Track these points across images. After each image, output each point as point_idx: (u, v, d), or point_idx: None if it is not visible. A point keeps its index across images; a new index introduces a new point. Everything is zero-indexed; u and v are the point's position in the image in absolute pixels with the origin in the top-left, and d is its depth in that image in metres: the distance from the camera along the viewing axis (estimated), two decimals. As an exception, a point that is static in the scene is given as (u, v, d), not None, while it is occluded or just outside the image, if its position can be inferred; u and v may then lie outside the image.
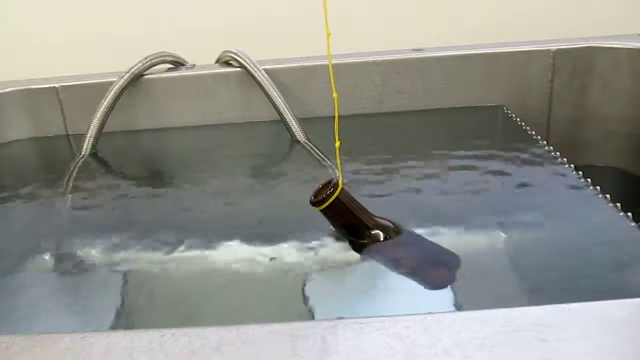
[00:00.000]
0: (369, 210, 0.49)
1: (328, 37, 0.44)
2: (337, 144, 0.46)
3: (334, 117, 0.45)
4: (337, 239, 0.49)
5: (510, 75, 0.80)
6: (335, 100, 0.45)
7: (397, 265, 0.45)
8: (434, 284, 0.43)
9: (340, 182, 0.47)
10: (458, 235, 0.49)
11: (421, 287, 0.43)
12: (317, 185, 0.49)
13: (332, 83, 0.45)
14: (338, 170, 0.47)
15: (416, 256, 0.47)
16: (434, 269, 0.46)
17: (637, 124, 0.77)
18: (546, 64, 0.79)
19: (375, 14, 1.01)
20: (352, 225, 0.49)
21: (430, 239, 0.48)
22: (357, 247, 0.48)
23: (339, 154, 0.47)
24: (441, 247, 0.47)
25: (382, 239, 0.48)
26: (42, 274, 0.50)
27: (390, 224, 0.50)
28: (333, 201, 0.47)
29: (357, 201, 0.49)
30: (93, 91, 0.81)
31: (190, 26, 1.01)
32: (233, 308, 0.44)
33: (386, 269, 0.45)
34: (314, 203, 0.47)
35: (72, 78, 0.84)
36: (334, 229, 0.50)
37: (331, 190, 0.47)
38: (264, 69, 0.78)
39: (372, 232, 0.48)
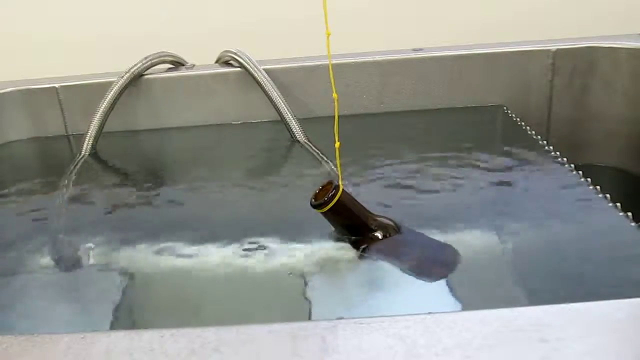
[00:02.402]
0: (368, 209, 0.49)
1: (328, 37, 0.44)
2: (337, 144, 0.46)
3: (334, 117, 0.45)
4: (338, 238, 0.49)
5: (510, 75, 0.80)
6: (336, 101, 0.45)
7: (398, 261, 0.46)
8: (434, 277, 0.44)
9: (340, 183, 0.47)
10: (457, 235, 0.49)
11: (422, 286, 0.43)
12: (316, 187, 0.49)
13: (332, 84, 0.45)
14: (338, 171, 0.47)
15: (416, 252, 0.48)
16: (433, 262, 0.46)
17: (637, 124, 0.77)
18: (546, 64, 0.79)
19: (375, 14, 1.01)
20: (353, 225, 0.49)
21: (428, 235, 0.49)
22: (359, 246, 0.48)
23: (339, 155, 0.47)
24: (438, 242, 0.48)
25: (382, 237, 0.48)
26: (42, 273, 0.50)
27: (390, 222, 0.50)
28: (335, 203, 0.47)
29: (358, 202, 0.49)
30: (93, 91, 0.81)
31: (190, 26, 1.01)
32: (233, 308, 0.44)
33: (387, 267, 0.45)
34: (316, 206, 0.47)
35: (72, 78, 0.84)
36: (334, 229, 0.50)
37: (333, 192, 0.47)
38: (264, 69, 0.78)
39: (373, 231, 0.49)
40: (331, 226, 0.50)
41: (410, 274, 0.44)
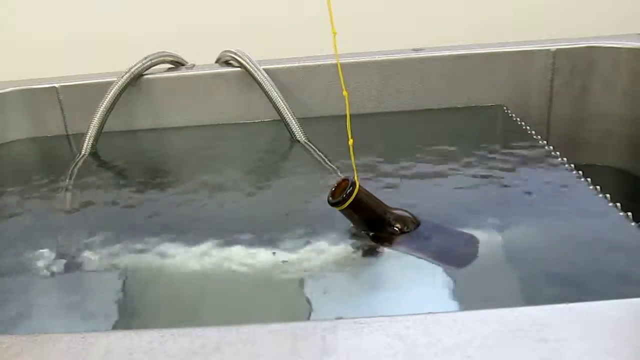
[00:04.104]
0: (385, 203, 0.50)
1: (334, 36, 0.44)
2: (350, 141, 0.47)
3: (346, 115, 0.46)
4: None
5: (510, 75, 0.80)
6: (346, 99, 0.45)
7: (422, 253, 0.46)
8: (459, 264, 0.45)
9: (356, 179, 0.47)
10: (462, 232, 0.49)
11: (450, 277, 0.43)
12: (332, 185, 0.49)
13: (342, 82, 0.45)
14: (353, 167, 0.47)
15: (438, 242, 0.48)
16: (457, 250, 0.47)
17: (637, 124, 0.77)
18: (546, 64, 0.79)
19: (375, 14, 1.01)
20: (372, 220, 0.49)
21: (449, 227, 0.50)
22: (380, 240, 0.48)
23: (353, 151, 0.47)
24: (458, 230, 0.49)
25: (403, 230, 0.49)
26: (42, 274, 0.50)
27: (409, 215, 0.50)
28: (353, 200, 0.47)
29: (375, 196, 0.49)
30: (93, 91, 0.81)
31: (190, 26, 1.01)
32: (233, 308, 0.44)
33: (412, 260, 0.46)
34: (334, 204, 0.48)
35: (72, 78, 0.84)
36: (353, 226, 0.50)
37: (350, 189, 0.47)
38: (264, 69, 0.78)
39: (393, 224, 0.49)
40: (350, 223, 0.50)
41: (434, 264, 0.45)
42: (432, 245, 0.47)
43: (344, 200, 0.47)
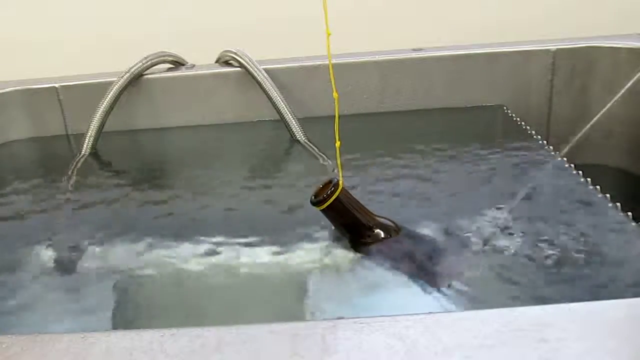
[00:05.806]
0: (369, 209, 0.49)
1: (328, 37, 0.44)
2: (338, 143, 0.46)
3: (334, 116, 0.45)
4: (338, 238, 0.49)
5: (510, 75, 0.80)
6: (336, 101, 0.45)
7: (398, 264, 0.45)
8: (436, 282, 0.43)
9: (340, 181, 0.47)
10: (458, 235, 0.49)
11: (422, 287, 0.43)
12: (317, 185, 0.49)
13: (333, 83, 0.45)
14: (338, 170, 0.47)
15: (417, 255, 0.47)
16: (435, 267, 0.46)
17: (637, 124, 0.77)
18: (546, 64, 0.79)
19: (375, 14, 1.01)
20: (352, 224, 0.49)
21: (430, 237, 0.49)
22: (358, 246, 0.48)
23: (339, 154, 0.47)
24: (441, 247, 0.48)
25: (382, 238, 0.48)
26: (42, 273, 0.50)
27: (391, 223, 0.50)
28: (334, 201, 0.47)
29: (357, 201, 0.49)
30: (93, 91, 0.81)
31: (190, 26, 1.01)
32: (233, 308, 0.44)
33: (387, 268, 0.45)
34: (315, 203, 0.48)
35: (72, 78, 0.84)
36: (334, 228, 0.50)
37: (332, 190, 0.47)
38: (264, 69, 0.78)
39: (373, 232, 0.48)
40: (332, 226, 0.50)
41: (408, 277, 0.44)
42: (408, 259, 0.46)
43: (324, 200, 0.47)
